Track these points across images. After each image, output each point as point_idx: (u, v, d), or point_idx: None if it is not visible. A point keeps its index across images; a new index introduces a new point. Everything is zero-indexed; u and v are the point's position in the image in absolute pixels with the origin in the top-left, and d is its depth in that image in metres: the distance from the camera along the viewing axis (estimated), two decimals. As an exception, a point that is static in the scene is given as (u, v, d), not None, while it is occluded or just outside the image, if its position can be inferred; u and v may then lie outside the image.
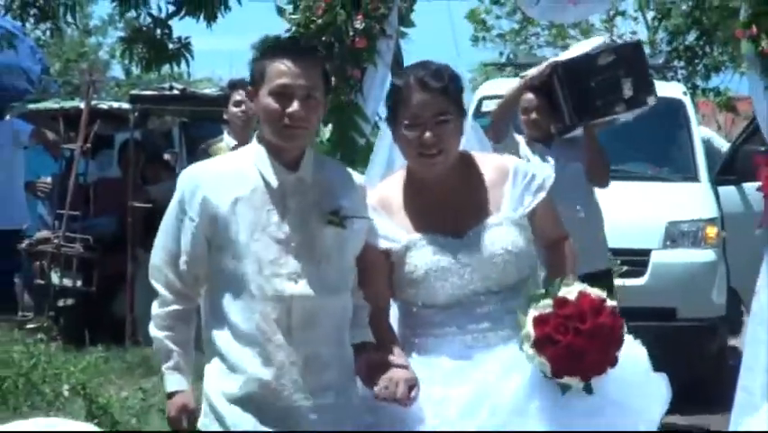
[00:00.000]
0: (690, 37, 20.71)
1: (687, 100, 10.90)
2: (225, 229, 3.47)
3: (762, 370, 5.45)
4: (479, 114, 10.19)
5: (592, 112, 6.82)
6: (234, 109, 8.35)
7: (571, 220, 6.65)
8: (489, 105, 10.32)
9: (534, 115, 6.83)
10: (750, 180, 7.69)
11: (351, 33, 5.44)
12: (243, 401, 3.43)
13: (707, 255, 9.00)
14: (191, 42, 12.09)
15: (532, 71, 7.04)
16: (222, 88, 11.91)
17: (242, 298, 3.46)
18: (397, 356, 3.60)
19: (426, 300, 3.68)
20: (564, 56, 7.37)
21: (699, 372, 8.49)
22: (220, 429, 3.46)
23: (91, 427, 4.05)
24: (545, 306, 3.42)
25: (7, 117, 11.67)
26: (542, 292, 3.49)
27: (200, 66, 32.46)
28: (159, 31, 12.00)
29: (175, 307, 3.55)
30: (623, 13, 22.44)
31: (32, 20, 12.36)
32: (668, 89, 11.40)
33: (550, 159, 6.71)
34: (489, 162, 3.82)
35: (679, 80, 13.26)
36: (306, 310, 3.47)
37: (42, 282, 10.98)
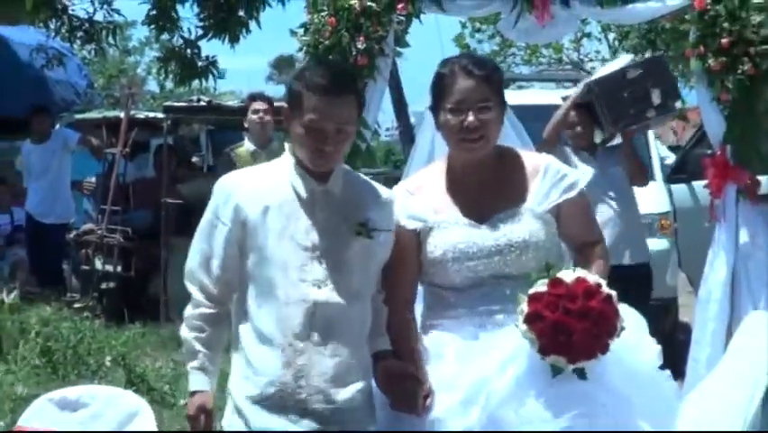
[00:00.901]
0: (646, 55, 20.71)
1: (644, 110, 10.90)
2: (255, 235, 3.23)
3: (707, 343, 5.46)
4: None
5: (627, 119, 6.85)
6: (253, 117, 8.40)
7: (614, 218, 6.75)
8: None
9: (578, 129, 6.92)
10: (699, 179, 7.93)
11: (354, 53, 5.44)
12: (266, 402, 3.18)
13: (661, 244, 9.00)
14: (217, 61, 12.14)
15: (572, 93, 7.14)
16: (242, 101, 11.91)
17: (268, 302, 3.21)
18: (414, 365, 3.35)
19: (443, 281, 3.46)
20: (597, 75, 7.39)
21: (656, 344, 8.48)
22: (245, 429, 3.21)
23: (130, 393, 4.04)
24: (542, 285, 3.17)
25: (58, 126, 11.66)
26: (543, 274, 3.22)
27: (224, 81, 32.48)
28: (189, 51, 12.04)
29: (206, 309, 3.31)
30: (588, 35, 22.37)
31: (78, 41, 12.37)
32: (628, 101, 11.41)
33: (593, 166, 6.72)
34: (525, 158, 3.55)
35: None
36: (328, 316, 3.20)
37: (88, 268, 10.99)
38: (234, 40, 11.81)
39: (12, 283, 9.29)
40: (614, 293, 3.17)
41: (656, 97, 6.86)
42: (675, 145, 18.65)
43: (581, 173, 3.62)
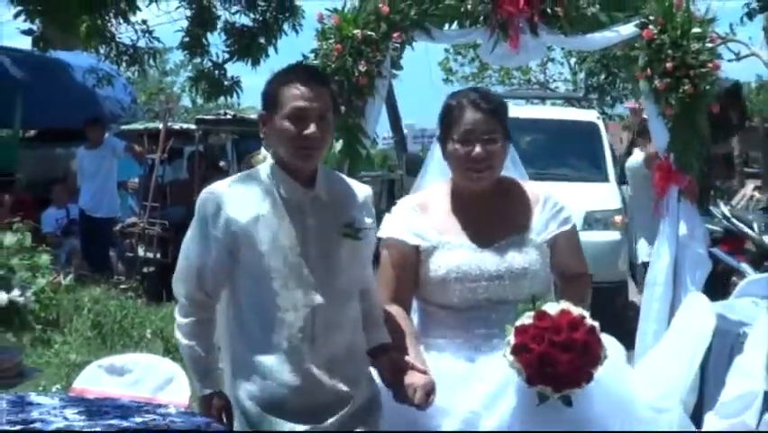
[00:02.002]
0: (602, 77, 20.73)
1: (600, 123, 10.95)
2: (249, 246, 2.82)
3: (653, 320, 5.45)
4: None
5: (714, 138, 6.74)
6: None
7: None
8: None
9: None
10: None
11: (356, 74, 5.42)
12: (275, 406, 2.82)
13: (614, 236, 9.03)
14: (240, 80, 12.15)
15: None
16: (262, 114, 11.90)
17: (268, 310, 2.82)
18: (416, 359, 2.99)
19: (443, 301, 3.12)
20: None
21: (610, 321, 8.50)
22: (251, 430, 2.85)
23: (167, 360, 4.02)
24: (528, 317, 2.87)
25: (107, 135, 11.65)
26: (530, 306, 2.91)
27: (247, 97, 32.40)
28: (217, 72, 12.08)
29: (198, 316, 2.93)
30: (553, 60, 22.48)
31: (124, 64, 12.39)
32: (586, 115, 11.46)
33: None
34: (525, 188, 3.24)
35: (594, 108, 13.25)
36: (326, 318, 2.84)
37: (131, 255, 11.03)
38: (255, 62, 11.86)
39: (68, 268, 9.30)
40: (596, 324, 2.89)
41: (734, 118, 6.77)
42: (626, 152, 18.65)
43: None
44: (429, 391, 2.89)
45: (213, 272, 2.88)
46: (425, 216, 3.20)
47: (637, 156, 8.35)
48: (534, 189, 3.25)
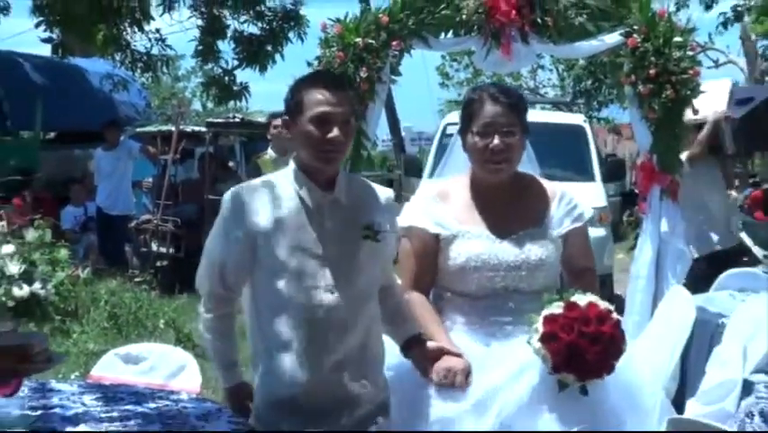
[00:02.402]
0: (588, 83, 20.75)
1: (586, 126, 10.96)
2: (268, 247, 2.72)
3: (637, 312, 5.45)
4: (444, 135, 10.23)
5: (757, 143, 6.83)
6: (274, 131, 8.39)
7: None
8: (452, 130, 10.38)
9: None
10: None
11: (357, 80, 5.41)
12: (289, 404, 2.71)
13: (600, 232, 9.00)
14: (249, 86, 12.15)
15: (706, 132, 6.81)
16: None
17: (285, 309, 2.72)
18: (449, 345, 2.91)
19: (461, 288, 3.03)
20: (719, 109, 6.91)
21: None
22: (269, 430, 2.75)
23: (179, 349, 4.02)
24: (557, 307, 2.78)
25: (122, 138, 11.65)
26: (557, 297, 2.84)
27: (255, 102, 32.46)
28: (226, 78, 12.09)
29: (220, 312, 2.84)
30: (542, 67, 22.48)
31: (139, 70, 12.40)
32: (573, 118, 11.48)
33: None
34: (542, 184, 3.17)
35: (581, 112, 13.26)
36: (341, 318, 2.73)
37: (145, 250, 10.97)
38: (263, 69, 11.87)
39: (85, 262, 9.21)
40: (621, 318, 2.83)
41: None
42: (611, 153, 18.65)
43: (587, 206, 3.27)
44: (467, 372, 2.84)
45: (234, 269, 2.79)
46: (445, 206, 3.12)
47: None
48: (550, 187, 3.18)
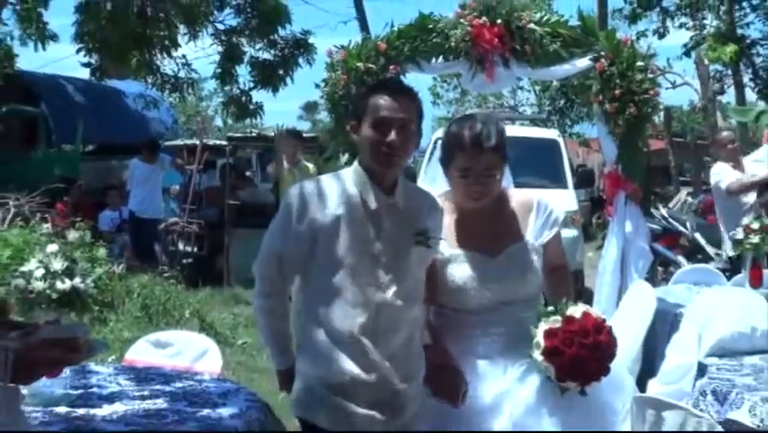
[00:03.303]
0: (561, 102, 20.77)
1: (560, 140, 10.97)
2: (327, 243, 2.53)
3: (603, 303, 5.41)
4: (435, 147, 10.22)
5: None
6: (289, 147, 8.40)
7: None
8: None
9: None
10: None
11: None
12: (336, 388, 2.51)
13: (573, 232, 9.01)
14: (263, 105, 12.17)
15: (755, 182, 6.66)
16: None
17: (338, 303, 2.52)
18: (451, 360, 2.72)
19: (460, 306, 2.84)
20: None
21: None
22: (316, 411, 2.55)
23: (202, 336, 4.01)
24: (555, 321, 2.64)
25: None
26: (551, 309, 2.70)
27: (268, 118, 32.48)
28: (244, 98, 12.09)
29: (275, 298, 2.64)
30: (521, 87, 22.47)
31: (167, 91, 12.40)
32: (548, 133, 11.48)
33: None
34: (517, 197, 2.96)
35: (555, 127, 13.25)
36: (390, 316, 2.54)
37: (173, 248, 10.98)
38: (275, 90, 11.90)
39: (120, 259, 9.24)
40: (611, 325, 2.70)
41: None
42: (582, 164, 18.65)
43: (559, 209, 3.08)
44: (464, 390, 2.66)
45: (290, 260, 2.58)
46: None
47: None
48: (524, 197, 2.98)
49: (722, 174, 6.78)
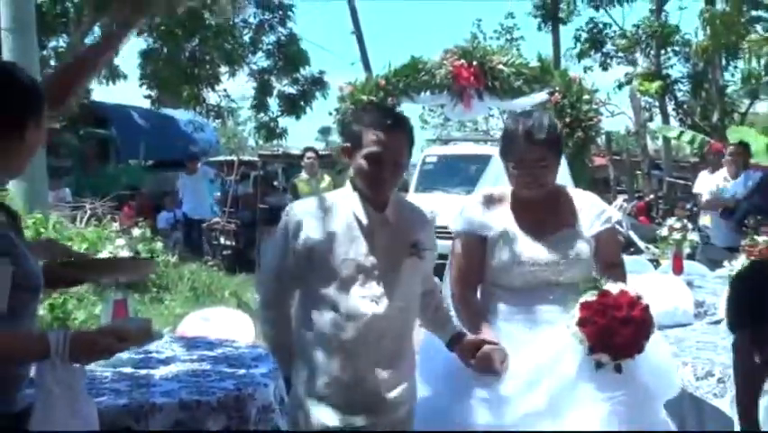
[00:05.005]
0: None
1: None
2: (322, 258, 2.19)
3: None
4: (424, 163, 10.20)
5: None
6: (307, 160, 8.36)
7: None
8: (430, 159, 10.38)
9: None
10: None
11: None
12: (325, 399, 2.18)
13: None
14: (287, 129, 12.24)
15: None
16: (301, 151, 11.96)
17: (332, 314, 2.18)
18: (487, 334, 2.38)
19: (506, 283, 2.45)
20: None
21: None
22: (304, 422, 2.21)
23: (239, 312, 4.00)
24: (592, 294, 2.28)
25: (200, 165, 11.66)
26: (591, 285, 2.32)
27: (291, 140, 32.40)
28: (272, 123, 12.12)
29: (276, 311, 2.30)
30: (492, 115, 22.43)
31: (212, 117, 12.41)
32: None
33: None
34: (574, 194, 2.53)
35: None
36: (381, 326, 2.18)
37: (216, 243, 10.97)
38: (298, 117, 12.00)
39: (174, 251, 9.24)
40: (650, 303, 2.31)
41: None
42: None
43: (615, 211, 2.68)
44: (503, 358, 2.32)
45: (289, 275, 2.25)
46: (490, 211, 2.52)
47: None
48: (581, 195, 2.57)
49: (697, 183, 6.52)
